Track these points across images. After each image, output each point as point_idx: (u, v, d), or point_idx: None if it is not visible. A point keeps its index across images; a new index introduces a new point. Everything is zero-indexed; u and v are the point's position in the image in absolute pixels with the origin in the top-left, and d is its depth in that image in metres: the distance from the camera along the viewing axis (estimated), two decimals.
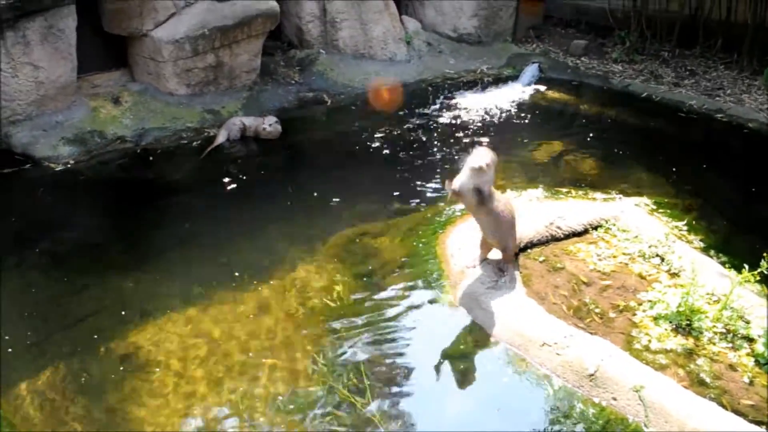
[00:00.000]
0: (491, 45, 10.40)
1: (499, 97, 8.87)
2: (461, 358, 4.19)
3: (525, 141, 7.47)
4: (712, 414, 3.47)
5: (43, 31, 6.65)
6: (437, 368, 4.09)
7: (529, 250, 4.96)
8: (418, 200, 6.04)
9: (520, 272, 4.69)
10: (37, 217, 5.80)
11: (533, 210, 5.43)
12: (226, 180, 6.49)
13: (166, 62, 7.54)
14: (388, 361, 4.12)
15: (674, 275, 4.66)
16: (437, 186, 6.30)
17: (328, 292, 4.73)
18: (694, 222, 5.59)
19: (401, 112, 8.25)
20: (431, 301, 4.65)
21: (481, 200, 4.25)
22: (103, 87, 7.67)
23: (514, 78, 9.52)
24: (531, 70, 9.56)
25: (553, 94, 9.05)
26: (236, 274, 4.96)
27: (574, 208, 5.45)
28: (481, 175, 4.16)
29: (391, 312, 4.54)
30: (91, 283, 4.86)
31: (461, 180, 4.28)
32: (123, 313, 4.53)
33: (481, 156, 4.17)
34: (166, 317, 4.49)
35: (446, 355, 4.20)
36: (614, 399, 3.71)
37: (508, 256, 4.59)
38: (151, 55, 7.59)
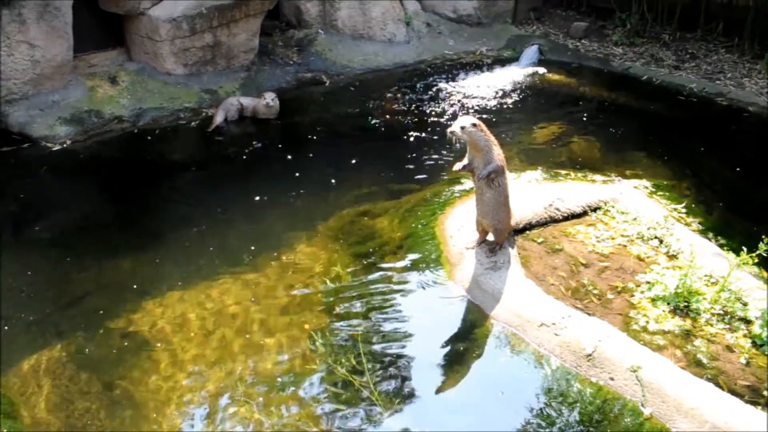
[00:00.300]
0: (491, 26, 10.33)
1: (498, 78, 8.81)
2: (460, 338, 4.20)
3: (524, 123, 7.44)
4: (709, 394, 3.49)
5: (39, 9, 6.58)
6: (436, 348, 4.10)
7: (528, 232, 4.96)
8: (416, 181, 6.02)
9: (519, 254, 4.70)
10: (34, 196, 5.78)
11: (532, 192, 5.42)
12: (224, 161, 6.47)
13: (164, 41, 7.47)
14: (386, 341, 4.13)
15: (672, 257, 4.67)
16: (435, 168, 6.28)
17: (327, 273, 4.73)
18: (692, 205, 5.59)
19: (400, 94, 8.21)
20: (430, 282, 4.65)
21: (490, 176, 4.36)
22: (99, 66, 7.61)
23: (514, 60, 9.48)
24: (531, 52, 9.50)
25: (552, 76, 9.00)
26: (234, 254, 4.96)
27: (573, 190, 5.45)
28: (464, 128, 4.29)
29: (389, 293, 4.54)
30: (89, 262, 4.86)
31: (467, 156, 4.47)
32: (121, 293, 4.53)
33: (461, 120, 4.36)
34: (165, 297, 4.49)
35: (445, 335, 4.21)
36: (612, 379, 3.73)
37: (499, 237, 4.60)
38: (148, 34, 7.52)
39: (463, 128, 4.29)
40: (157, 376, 3.86)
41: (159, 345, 4.08)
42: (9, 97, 6.68)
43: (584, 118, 7.66)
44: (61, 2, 6.71)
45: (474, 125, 4.31)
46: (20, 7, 6.44)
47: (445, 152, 6.51)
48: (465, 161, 4.49)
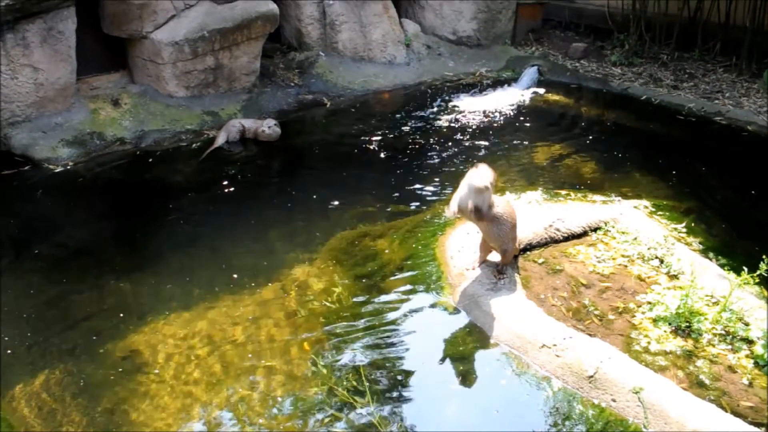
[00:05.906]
0: (490, 48, 10.42)
1: (498, 99, 8.87)
2: (461, 359, 4.18)
3: (524, 143, 7.48)
4: (712, 415, 3.47)
5: (43, 33, 6.66)
6: (437, 370, 4.08)
7: (528, 252, 4.96)
8: (417, 202, 6.04)
9: (520, 274, 4.70)
10: (36, 218, 5.80)
11: (532, 212, 5.43)
12: (226, 182, 6.49)
13: (166, 64, 7.55)
14: (387, 363, 4.12)
15: (673, 277, 4.67)
16: (436, 188, 6.31)
17: (328, 294, 4.72)
18: (693, 224, 5.59)
19: (400, 115, 8.26)
20: (431, 303, 4.64)
21: (479, 217, 4.29)
22: (102, 89, 7.68)
23: (514, 81, 9.54)
24: (530, 73, 9.58)
25: (552, 96, 9.06)
26: (235, 276, 4.96)
27: (573, 211, 5.46)
28: (482, 193, 4.18)
29: (390, 314, 4.54)
30: (89, 285, 4.86)
31: (460, 197, 4.29)
32: (122, 315, 4.53)
33: (483, 176, 4.17)
34: (165, 319, 4.49)
35: (446, 356, 4.20)
36: (614, 400, 3.71)
37: (506, 259, 4.60)
38: (150, 57, 7.60)
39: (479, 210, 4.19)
40: (158, 399, 3.84)
41: (159, 368, 4.07)
42: (12, 120, 6.74)
43: (584, 138, 7.69)
44: (65, 26, 6.80)
45: (488, 187, 4.16)
46: (24, 31, 6.52)
47: (445, 171, 6.53)
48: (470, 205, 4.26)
